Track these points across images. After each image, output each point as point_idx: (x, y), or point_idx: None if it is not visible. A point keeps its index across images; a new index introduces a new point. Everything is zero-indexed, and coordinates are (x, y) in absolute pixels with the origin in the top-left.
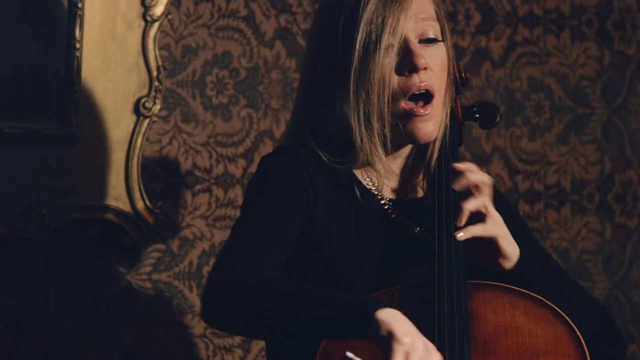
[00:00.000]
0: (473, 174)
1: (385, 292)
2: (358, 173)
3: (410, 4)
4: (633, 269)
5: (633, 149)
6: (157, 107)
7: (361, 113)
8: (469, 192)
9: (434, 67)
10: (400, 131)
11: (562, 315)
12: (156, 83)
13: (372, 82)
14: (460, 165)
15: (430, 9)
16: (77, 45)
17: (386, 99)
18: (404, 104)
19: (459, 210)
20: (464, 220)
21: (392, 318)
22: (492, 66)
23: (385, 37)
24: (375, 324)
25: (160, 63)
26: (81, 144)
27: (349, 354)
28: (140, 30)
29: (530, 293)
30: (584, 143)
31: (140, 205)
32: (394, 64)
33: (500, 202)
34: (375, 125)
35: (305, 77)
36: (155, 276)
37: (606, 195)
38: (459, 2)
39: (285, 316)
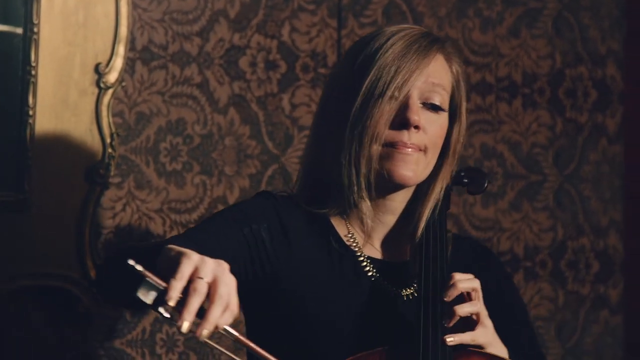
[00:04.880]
0: (463, 282)
1: (371, 352)
2: (340, 229)
3: (427, 65)
4: (585, 336)
5: (585, 216)
6: (111, 173)
7: (352, 152)
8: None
9: (429, 130)
10: (381, 172)
11: None
12: (109, 150)
13: (367, 126)
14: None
15: (445, 78)
16: (30, 112)
17: (377, 146)
18: (386, 147)
19: (450, 312)
20: (452, 323)
21: (185, 248)
22: None
23: (393, 87)
24: (166, 249)
25: (113, 130)
26: (34, 211)
27: (131, 262)
28: (94, 97)
29: None
30: (536, 210)
31: (93, 272)
32: (392, 114)
33: (502, 273)
34: (363, 169)
35: (315, 119)
36: (107, 344)
37: (559, 262)
38: None
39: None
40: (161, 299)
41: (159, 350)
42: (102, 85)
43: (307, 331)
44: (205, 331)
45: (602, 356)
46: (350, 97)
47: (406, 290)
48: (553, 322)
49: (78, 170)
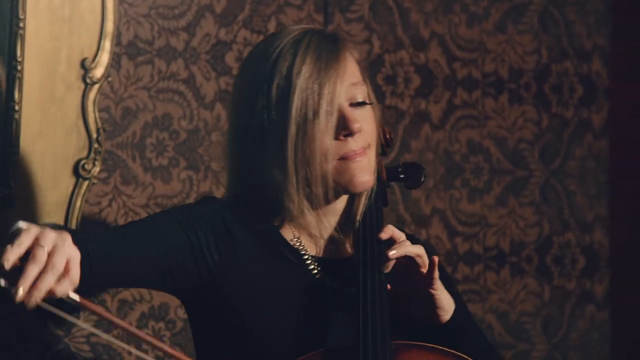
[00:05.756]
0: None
1: (307, 356)
2: (284, 231)
3: (345, 70)
4: (571, 331)
5: (571, 211)
6: (97, 169)
7: (300, 180)
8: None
9: (366, 127)
10: (338, 185)
11: None
12: (96, 145)
13: (313, 148)
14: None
15: (358, 73)
16: (16, 107)
17: (329, 164)
18: (339, 160)
19: (384, 257)
20: (388, 268)
21: (30, 224)
22: (432, 129)
23: (324, 103)
24: (14, 226)
25: (100, 125)
26: (20, 206)
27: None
28: (80, 92)
29: (455, 352)
30: (522, 205)
31: None
32: (333, 128)
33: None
34: (319, 190)
35: (234, 143)
36: (93, 339)
37: (545, 257)
38: (399, 65)
39: None
40: None
41: (145, 346)
42: (88, 80)
43: (253, 333)
44: (32, 298)
45: (588, 351)
46: (279, 124)
47: (350, 287)
48: (539, 317)
49: (64, 165)
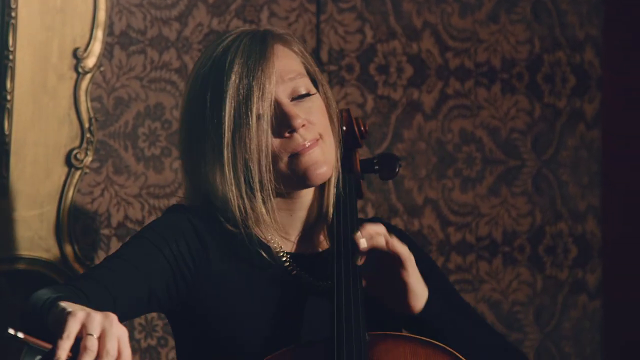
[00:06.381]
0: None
1: (280, 352)
2: (257, 231)
3: (273, 69)
4: (564, 320)
5: (563, 201)
6: (89, 158)
7: (242, 186)
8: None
9: (313, 119)
10: (294, 180)
11: None
12: (88, 135)
13: (250, 152)
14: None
15: (296, 66)
16: (8, 97)
17: (268, 166)
18: (290, 157)
19: (355, 249)
20: (361, 260)
21: (72, 305)
22: (424, 118)
23: (254, 106)
24: (55, 308)
25: (92, 115)
26: (11, 196)
27: (11, 331)
28: (72, 82)
29: (432, 341)
30: (515, 195)
31: (71, 257)
32: (270, 129)
33: (410, 244)
34: (259, 195)
35: (183, 155)
36: None
37: (537, 247)
38: (391, 55)
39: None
40: None
41: (137, 335)
42: (80, 70)
43: (231, 335)
44: None
45: (581, 340)
46: (215, 133)
47: (326, 281)
48: (531, 307)
49: (56, 155)
